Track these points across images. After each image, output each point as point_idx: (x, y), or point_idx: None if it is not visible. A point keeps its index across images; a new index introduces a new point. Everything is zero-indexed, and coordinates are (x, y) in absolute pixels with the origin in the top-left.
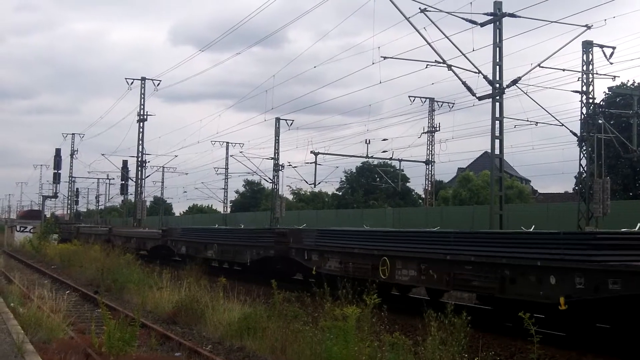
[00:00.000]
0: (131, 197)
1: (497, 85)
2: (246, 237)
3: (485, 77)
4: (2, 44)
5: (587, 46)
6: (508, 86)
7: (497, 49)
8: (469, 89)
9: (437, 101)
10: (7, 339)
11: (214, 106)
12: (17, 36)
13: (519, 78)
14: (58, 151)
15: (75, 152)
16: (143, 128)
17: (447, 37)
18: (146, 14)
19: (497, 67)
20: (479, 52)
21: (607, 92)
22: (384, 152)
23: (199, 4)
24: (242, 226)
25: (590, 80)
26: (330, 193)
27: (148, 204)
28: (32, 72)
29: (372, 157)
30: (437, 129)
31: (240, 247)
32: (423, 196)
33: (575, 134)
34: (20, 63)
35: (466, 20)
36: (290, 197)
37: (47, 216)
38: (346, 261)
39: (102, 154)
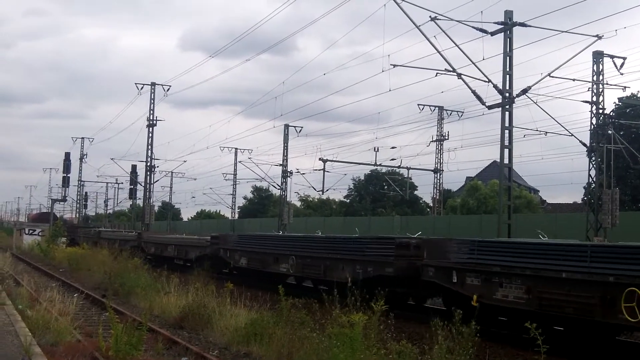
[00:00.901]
0: (139, 202)
1: (507, 94)
2: (345, 247)
3: (495, 86)
4: (12, 48)
5: (598, 56)
6: (518, 95)
7: (507, 58)
8: (478, 97)
9: (446, 110)
10: (15, 341)
11: (223, 112)
12: (26, 41)
13: (529, 87)
14: (67, 155)
15: (85, 156)
16: (152, 133)
17: (457, 46)
18: (156, 21)
19: (507, 76)
20: (489, 61)
21: (617, 102)
22: (392, 160)
23: (209, 11)
24: (319, 232)
25: (601, 90)
26: (338, 200)
27: (156, 208)
28: (41, 77)
29: (380, 164)
30: (446, 137)
31: (336, 261)
32: (431, 205)
33: (584, 144)
34: (29, 68)
35: (476, 29)
36: (298, 203)
37: (60, 218)
38: None
39: (112, 159)
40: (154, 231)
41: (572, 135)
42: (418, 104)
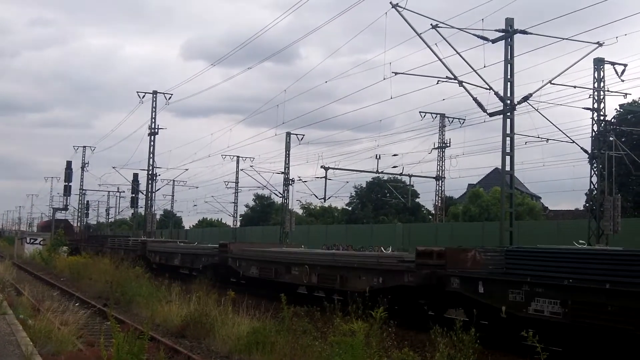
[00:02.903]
0: (141, 210)
1: (508, 101)
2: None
3: (496, 94)
4: (17, 58)
5: (599, 63)
6: (519, 102)
7: (509, 65)
8: (480, 105)
9: (447, 117)
10: (16, 351)
11: (225, 120)
12: (31, 51)
13: (530, 95)
14: (69, 164)
15: (86, 165)
16: (154, 141)
17: (458, 53)
18: (159, 30)
19: (508, 83)
20: (490, 68)
21: (618, 109)
22: (394, 167)
23: (212, 20)
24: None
25: (602, 97)
26: (340, 208)
27: (158, 217)
28: (46, 86)
29: (382, 172)
30: (448, 144)
31: (353, 270)
32: (433, 212)
33: (586, 151)
34: (34, 77)
35: (477, 36)
36: (300, 211)
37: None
38: None
39: (113, 167)
40: (158, 240)
41: (574, 142)
42: (420, 112)
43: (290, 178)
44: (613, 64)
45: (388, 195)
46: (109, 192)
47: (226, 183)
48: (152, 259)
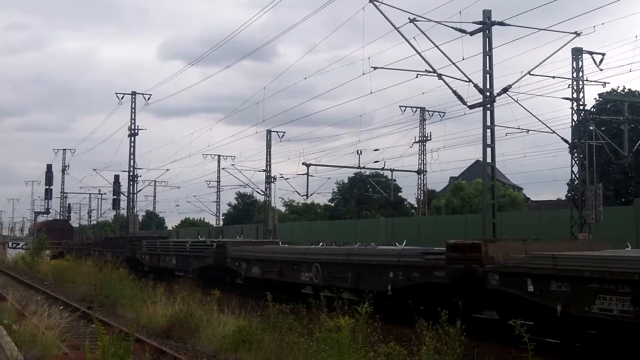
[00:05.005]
0: (123, 212)
1: (488, 93)
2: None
3: (475, 86)
4: None
5: (577, 53)
6: (499, 94)
7: (487, 57)
8: (459, 97)
9: (428, 111)
10: (0, 356)
11: (205, 120)
12: (8, 55)
13: (510, 86)
14: (49, 167)
15: (67, 168)
16: (134, 142)
17: (437, 47)
18: (135, 32)
19: (488, 75)
20: (468, 61)
21: (597, 98)
22: (375, 162)
23: (189, 20)
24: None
25: (581, 87)
26: (322, 204)
27: (140, 218)
28: (24, 90)
29: (364, 167)
30: (429, 138)
31: (371, 268)
32: (415, 206)
33: (566, 141)
34: (11, 81)
35: (455, 29)
36: (283, 209)
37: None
38: None
39: (94, 169)
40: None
41: (554, 132)
42: (400, 106)
43: (272, 176)
44: (591, 53)
45: (370, 190)
46: (90, 194)
47: (208, 182)
48: (243, 271)
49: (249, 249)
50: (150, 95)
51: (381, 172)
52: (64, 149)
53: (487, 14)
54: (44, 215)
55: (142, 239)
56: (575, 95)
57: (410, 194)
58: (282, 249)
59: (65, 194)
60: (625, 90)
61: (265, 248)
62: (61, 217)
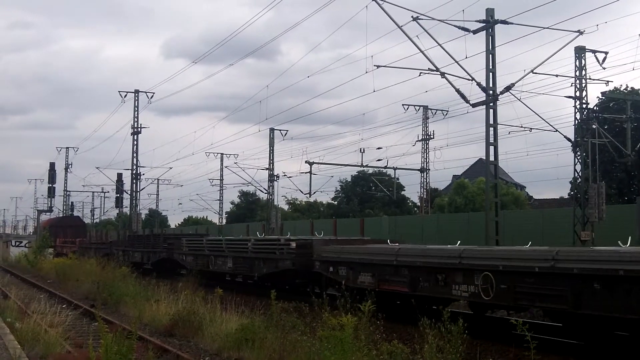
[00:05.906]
0: (126, 210)
1: (491, 92)
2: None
3: (478, 84)
4: None
5: (580, 52)
6: (501, 93)
7: (490, 55)
8: (462, 96)
9: (430, 109)
10: (3, 354)
11: (208, 118)
12: (12, 53)
13: (513, 84)
14: (52, 165)
15: (70, 166)
16: (137, 141)
17: (440, 45)
18: (139, 30)
19: (490, 73)
20: (472, 59)
21: (600, 97)
22: (378, 160)
23: (192, 19)
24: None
25: (584, 85)
26: (325, 203)
27: (143, 216)
28: (27, 88)
29: (367, 166)
30: (432, 136)
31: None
32: (419, 204)
33: (569, 140)
34: (14, 79)
35: (458, 27)
36: (286, 207)
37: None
38: None
39: (97, 167)
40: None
41: (557, 130)
42: (403, 104)
43: (275, 174)
44: (594, 52)
45: (373, 188)
46: (93, 192)
47: (211, 180)
48: (343, 279)
49: (351, 249)
50: (154, 93)
51: (384, 170)
52: (67, 147)
53: (490, 12)
54: (47, 213)
55: (181, 236)
56: (578, 93)
57: (413, 192)
58: (412, 250)
59: (68, 192)
60: (628, 89)
61: (380, 248)
62: (64, 215)
